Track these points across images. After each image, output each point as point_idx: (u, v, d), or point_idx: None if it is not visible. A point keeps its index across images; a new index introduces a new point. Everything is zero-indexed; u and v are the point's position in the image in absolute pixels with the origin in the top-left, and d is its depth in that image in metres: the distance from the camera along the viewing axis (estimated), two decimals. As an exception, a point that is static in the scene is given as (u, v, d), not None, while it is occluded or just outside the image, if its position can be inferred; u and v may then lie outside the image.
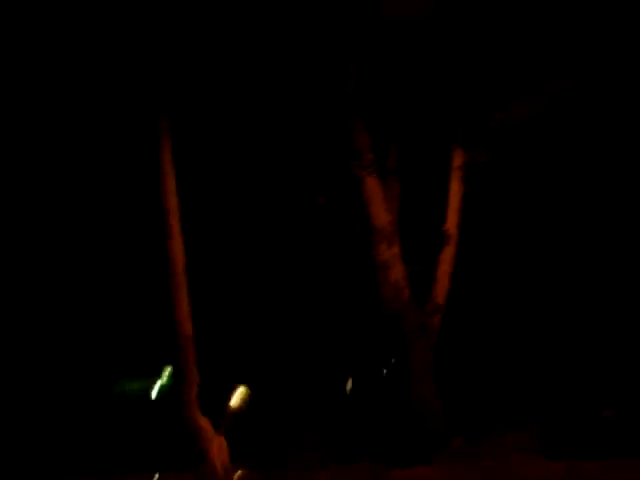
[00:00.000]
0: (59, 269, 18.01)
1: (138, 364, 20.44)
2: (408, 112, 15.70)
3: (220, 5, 14.26)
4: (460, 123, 15.82)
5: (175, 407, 13.76)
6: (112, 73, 14.40)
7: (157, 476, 13.69)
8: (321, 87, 15.34)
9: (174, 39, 13.96)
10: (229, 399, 13.33)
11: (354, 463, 14.33)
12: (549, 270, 16.94)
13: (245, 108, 15.09)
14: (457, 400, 15.62)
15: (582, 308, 16.89)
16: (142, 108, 13.89)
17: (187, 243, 13.51)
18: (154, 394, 21.79)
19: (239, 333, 17.26)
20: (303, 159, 15.58)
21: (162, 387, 22.74)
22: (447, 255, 15.65)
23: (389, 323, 15.25)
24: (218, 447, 13.08)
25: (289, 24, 14.81)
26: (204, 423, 13.31)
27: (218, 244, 16.43)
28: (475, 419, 15.44)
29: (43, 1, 14.01)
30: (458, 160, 15.90)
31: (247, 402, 13.31)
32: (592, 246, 17.18)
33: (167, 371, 21.17)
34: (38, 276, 18.38)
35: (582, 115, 15.70)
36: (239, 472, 13.24)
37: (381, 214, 15.26)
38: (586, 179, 16.83)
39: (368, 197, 15.29)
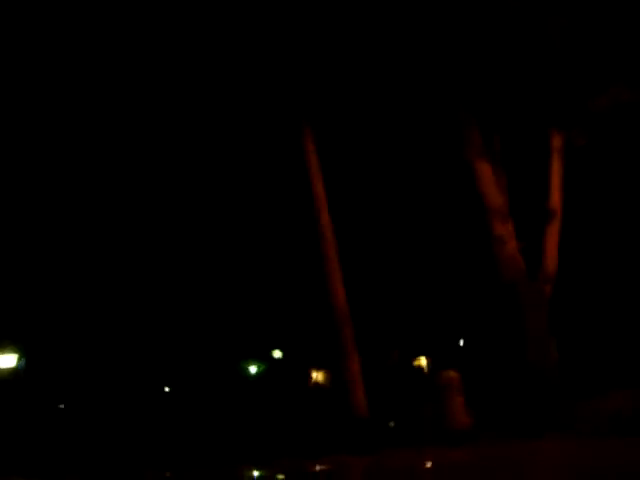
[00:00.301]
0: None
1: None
2: (511, 97, 17.02)
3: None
4: (560, 107, 17.12)
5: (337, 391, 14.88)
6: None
7: None
8: (433, 83, 16.77)
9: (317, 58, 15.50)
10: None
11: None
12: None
13: (371, 108, 16.57)
14: (570, 363, 16.78)
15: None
16: (287, 115, 15.47)
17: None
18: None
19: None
20: (421, 150, 17.03)
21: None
22: (553, 229, 16.96)
23: (505, 292, 16.55)
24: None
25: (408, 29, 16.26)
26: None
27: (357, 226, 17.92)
28: (588, 380, 16.58)
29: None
30: (557, 142, 17.24)
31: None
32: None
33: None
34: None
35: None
36: None
37: (494, 194, 16.63)
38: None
39: (480, 179, 16.68)
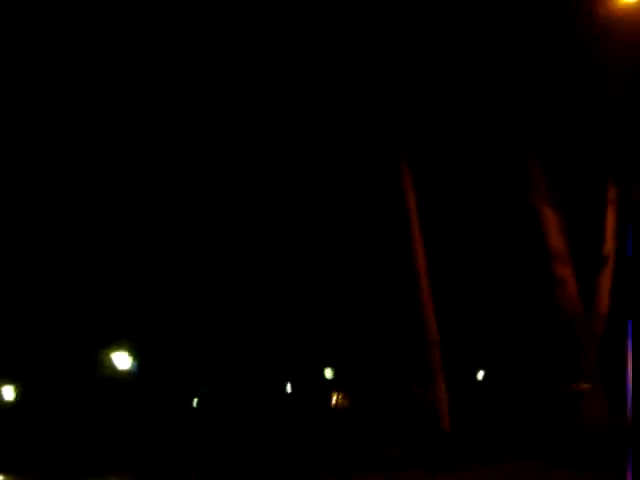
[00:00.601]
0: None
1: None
2: (575, 152, 18.79)
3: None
4: (616, 164, 18.90)
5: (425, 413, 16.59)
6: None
7: None
8: (504, 131, 18.54)
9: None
10: None
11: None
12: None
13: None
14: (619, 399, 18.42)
15: None
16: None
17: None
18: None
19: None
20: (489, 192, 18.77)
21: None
22: (606, 273, 18.69)
23: (563, 328, 18.24)
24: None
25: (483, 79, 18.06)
26: None
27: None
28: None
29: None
30: (613, 194, 19.00)
31: None
32: None
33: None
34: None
35: None
36: None
37: (557, 238, 18.34)
38: None
39: (545, 225, 18.37)
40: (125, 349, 17.64)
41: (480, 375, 31.13)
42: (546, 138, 18.60)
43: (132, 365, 17.94)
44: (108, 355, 17.78)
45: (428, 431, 16.87)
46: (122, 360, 17.52)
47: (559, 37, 17.39)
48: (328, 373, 24.39)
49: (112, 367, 17.83)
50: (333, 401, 31.49)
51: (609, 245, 18.86)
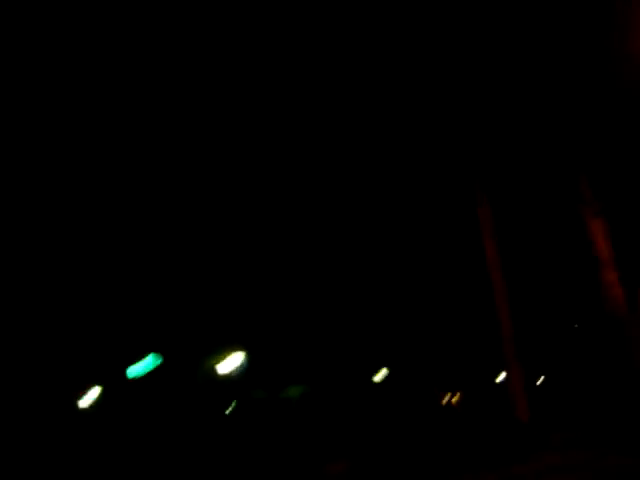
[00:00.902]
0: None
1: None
2: (613, 163, 20.51)
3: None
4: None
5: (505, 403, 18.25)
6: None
7: None
8: (553, 145, 20.26)
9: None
10: None
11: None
12: None
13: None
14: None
15: None
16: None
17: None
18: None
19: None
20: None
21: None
22: (649, 275, 20.40)
23: (613, 328, 19.90)
24: None
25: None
26: None
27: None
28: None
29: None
30: (651, 204, 20.73)
31: None
32: None
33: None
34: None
35: None
36: None
37: (604, 246, 20.00)
38: None
39: (593, 233, 20.04)
40: (237, 348, 18.37)
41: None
42: (591, 155, 20.32)
43: (243, 362, 18.64)
44: (220, 356, 18.52)
45: (503, 421, 18.42)
46: (234, 359, 18.24)
47: (603, 66, 19.10)
48: (379, 375, 25.52)
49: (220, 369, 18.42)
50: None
51: (651, 249, 20.59)
